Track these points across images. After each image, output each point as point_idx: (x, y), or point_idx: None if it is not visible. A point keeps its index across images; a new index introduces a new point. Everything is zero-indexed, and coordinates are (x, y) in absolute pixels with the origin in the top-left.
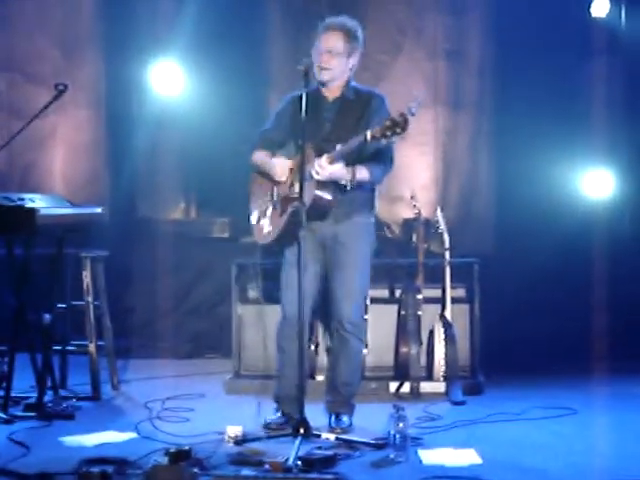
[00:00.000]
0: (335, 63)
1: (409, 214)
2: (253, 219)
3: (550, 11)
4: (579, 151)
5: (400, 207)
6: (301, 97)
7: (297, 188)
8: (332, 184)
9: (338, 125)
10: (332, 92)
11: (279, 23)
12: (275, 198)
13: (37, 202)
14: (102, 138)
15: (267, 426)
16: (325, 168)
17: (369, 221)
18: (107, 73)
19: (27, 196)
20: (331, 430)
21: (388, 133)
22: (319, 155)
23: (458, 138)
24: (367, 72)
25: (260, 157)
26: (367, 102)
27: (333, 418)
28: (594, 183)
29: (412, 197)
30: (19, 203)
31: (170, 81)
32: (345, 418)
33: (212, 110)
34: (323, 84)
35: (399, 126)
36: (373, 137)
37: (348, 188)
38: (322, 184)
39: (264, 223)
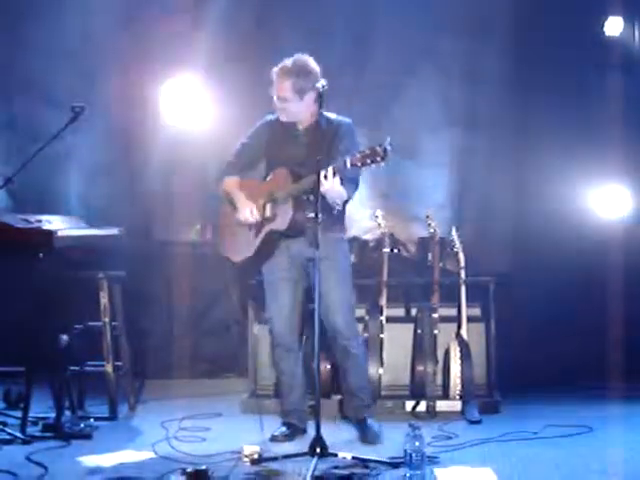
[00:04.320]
0: (286, 106)
1: (425, 233)
2: (226, 243)
3: (564, 29)
4: (596, 169)
5: (416, 226)
6: (275, 120)
7: (268, 211)
8: (307, 204)
9: (311, 151)
10: (302, 123)
11: (294, 44)
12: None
13: (55, 223)
14: (118, 160)
15: (273, 439)
16: (334, 182)
17: (342, 236)
18: (124, 95)
19: (45, 217)
20: (366, 442)
21: (368, 161)
22: (295, 179)
23: (473, 157)
24: (382, 92)
25: (230, 188)
26: (336, 129)
27: (362, 427)
28: (611, 201)
29: (427, 216)
30: (37, 224)
31: (186, 102)
32: (370, 421)
33: (228, 131)
34: None
35: (379, 155)
36: (352, 164)
37: (339, 208)
38: (298, 205)
39: (239, 243)
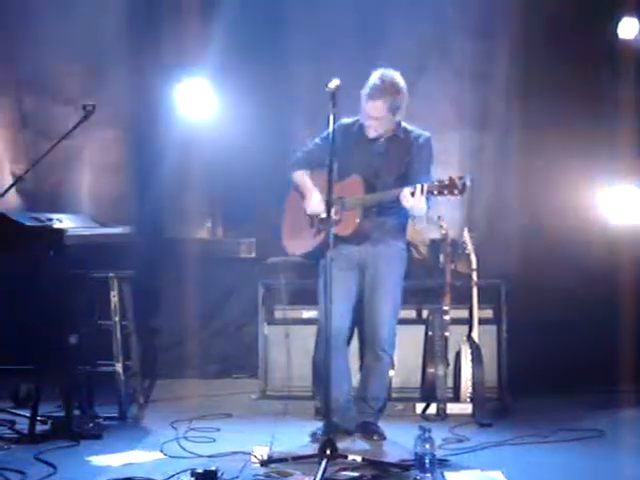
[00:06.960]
0: (379, 124)
1: (436, 235)
2: (286, 229)
3: (578, 30)
4: (606, 171)
5: (427, 228)
6: (350, 125)
7: (333, 214)
8: (373, 214)
9: (387, 163)
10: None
11: (306, 43)
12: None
13: (65, 222)
14: (129, 158)
15: (313, 436)
16: (420, 199)
17: (402, 246)
18: (134, 93)
19: (55, 216)
20: (367, 437)
21: (445, 192)
22: (368, 189)
23: (484, 158)
24: None
25: (301, 178)
26: (414, 142)
27: (362, 427)
28: (623, 202)
29: (439, 218)
30: (47, 223)
31: (197, 101)
32: (374, 427)
33: (238, 130)
34: None
35: (457, 189)
36: (429, 191)
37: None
38: (366, 215)
39: (299, 236)
